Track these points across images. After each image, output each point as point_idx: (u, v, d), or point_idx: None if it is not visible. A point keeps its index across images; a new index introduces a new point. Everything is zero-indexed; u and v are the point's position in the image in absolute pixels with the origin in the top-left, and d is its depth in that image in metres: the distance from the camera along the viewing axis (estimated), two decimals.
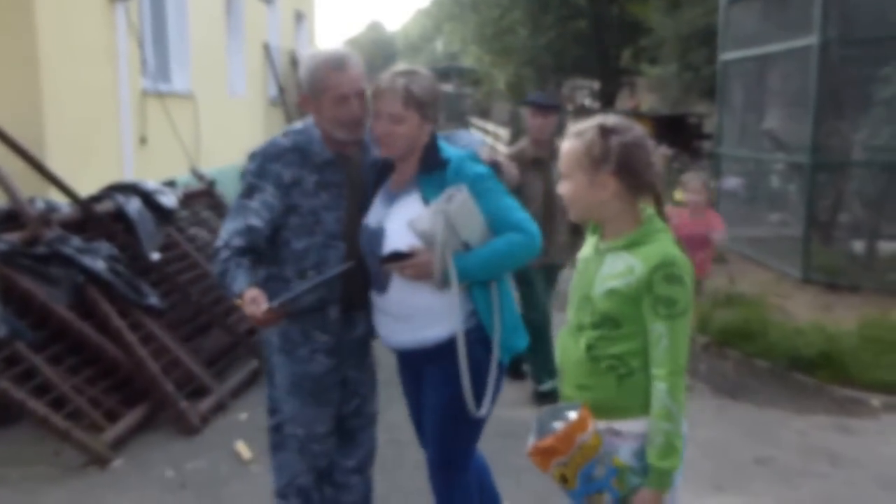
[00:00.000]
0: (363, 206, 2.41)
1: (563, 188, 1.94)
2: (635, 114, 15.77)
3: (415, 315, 2.29)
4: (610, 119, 1.92)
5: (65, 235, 4.22)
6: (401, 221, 2.27)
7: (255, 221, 2.33)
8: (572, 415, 1.87)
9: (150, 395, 4.06)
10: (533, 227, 2.29)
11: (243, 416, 4.25)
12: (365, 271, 2.39)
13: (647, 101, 19.98)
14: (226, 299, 5.14)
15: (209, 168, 7.05)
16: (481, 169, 2.29)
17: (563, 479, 1.85)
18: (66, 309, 4.01)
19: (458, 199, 2.19)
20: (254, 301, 2.14)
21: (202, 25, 9.30)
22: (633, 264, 1.84)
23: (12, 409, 3.65)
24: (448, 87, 34.94)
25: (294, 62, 13.08)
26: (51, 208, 4.52)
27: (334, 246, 2.39)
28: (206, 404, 4.19)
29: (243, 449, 3.78)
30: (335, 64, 2.31)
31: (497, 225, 2.26)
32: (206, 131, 8.84)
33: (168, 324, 4.59)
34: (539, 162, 4.28)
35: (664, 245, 1.86)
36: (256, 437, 3.89)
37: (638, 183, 1.89)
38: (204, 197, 6.18)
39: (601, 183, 1.87)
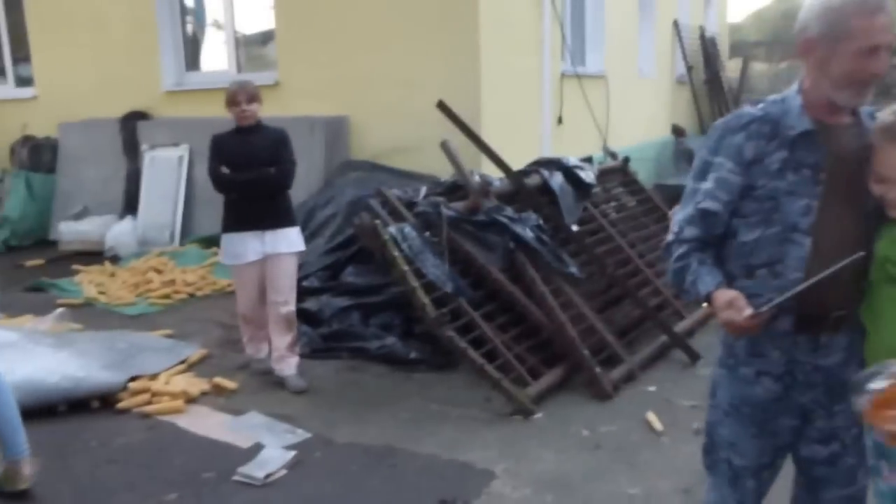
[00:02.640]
0: (845, 194, 1.94)
1: None
2: None
3: None
4: None
5: (500, 206, 4.68)
6: None
7: (709, 204, 1.97)
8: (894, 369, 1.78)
9: (567, 358, 4.30)
10: None
11: (652, 388, 4.26)
12: (842, 281, 1.86)
13: None
14: (638, 273, 5.22)
15: (616, 147, 7.23)
16: None
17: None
18: (499, 272, 4.46)
19: None
20: (731, 305, 1.83)
21: (617, 8, 9.49)
22: None
23: (454, 356, 4.18)
24: None
25: (703, 38, 12.62)
26: (486, 181, 5.04)
27: (795, 241, 1.92)
28: (617, 373, 4.30)
29: (654, 420, 3.79)
30: (869, 5, 1.85)
31: None
32: (616, 111, 9.01)
33: (584, 293, 4.80)
34: None
35: None
36: (665, 411, 3.89)
37: None
38: (617, 174, 6.31)
39: None
